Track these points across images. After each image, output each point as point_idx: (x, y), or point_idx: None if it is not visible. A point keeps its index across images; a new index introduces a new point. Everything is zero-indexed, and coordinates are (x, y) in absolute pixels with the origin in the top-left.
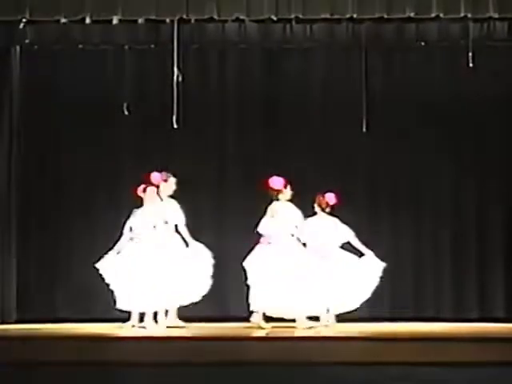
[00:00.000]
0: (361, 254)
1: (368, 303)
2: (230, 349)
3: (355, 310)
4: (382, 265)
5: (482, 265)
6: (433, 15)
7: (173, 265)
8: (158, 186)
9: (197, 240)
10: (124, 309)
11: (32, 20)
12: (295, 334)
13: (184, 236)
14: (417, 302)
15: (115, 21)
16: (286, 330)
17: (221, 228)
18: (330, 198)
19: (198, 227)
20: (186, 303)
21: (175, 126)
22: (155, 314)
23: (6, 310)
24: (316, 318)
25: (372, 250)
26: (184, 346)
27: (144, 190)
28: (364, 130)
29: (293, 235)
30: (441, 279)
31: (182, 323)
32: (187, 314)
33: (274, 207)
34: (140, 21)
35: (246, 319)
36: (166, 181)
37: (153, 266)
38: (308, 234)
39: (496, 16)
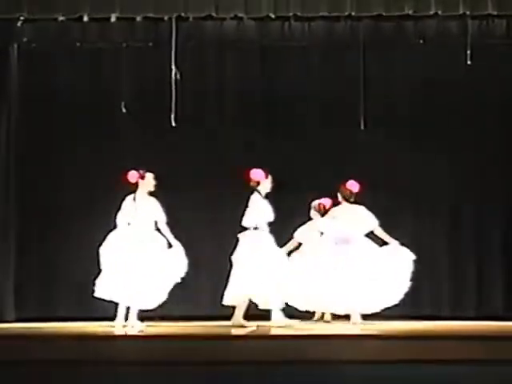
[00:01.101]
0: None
1: None
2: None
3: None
4: (412, 257)
5: (481, 263)
6: (431, 13)
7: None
8: (258, 183)
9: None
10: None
11: (30, 18)
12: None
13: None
14: (415, 300)
15: (113, 19)
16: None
17: (218, 226)
18: (353, 185)
19: (196, 225)
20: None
21: (173, 124)
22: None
23: (3, 309)
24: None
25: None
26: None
27: (142, 177)
28: (362, 127)
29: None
30: (439, 278)
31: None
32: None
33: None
34: (138, 18)
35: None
36: (266, 177)
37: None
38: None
39: (495, 13)
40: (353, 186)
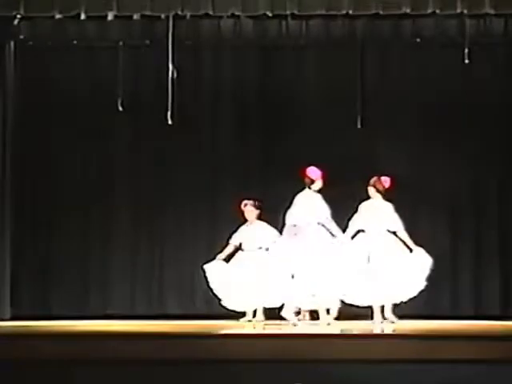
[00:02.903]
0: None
1: None
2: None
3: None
4: (430, 260)
5: (478, 263)
6: (429, 11)
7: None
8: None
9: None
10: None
11: (27, 16)
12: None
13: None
14: (413, 299)
15: (110, 17)
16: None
17: (214, 225)
18: (386, 181)
19: (192, 224)
20: None
21: (170, 123)
22: None
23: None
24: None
25: None
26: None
27: (323, 176)
28: (359, 126)
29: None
30: (437, 277)
31: None
32: None
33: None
34: (135, 17)
35: None
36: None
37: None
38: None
39: (492, 12)
40: (386, 181)
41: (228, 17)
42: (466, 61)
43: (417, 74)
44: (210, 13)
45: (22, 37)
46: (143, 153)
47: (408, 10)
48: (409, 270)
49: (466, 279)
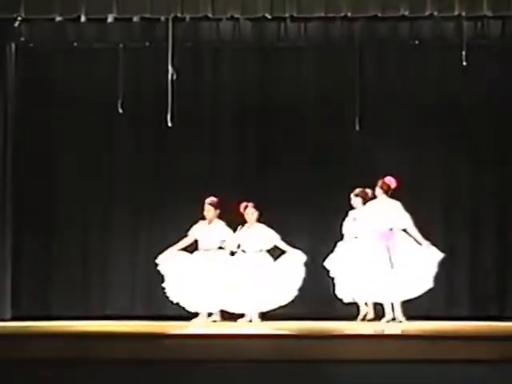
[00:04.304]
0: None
1: None
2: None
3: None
4: (440, 255)
5: (475, 263)
6: (427, 14)
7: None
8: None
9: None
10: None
11: (27, 18)
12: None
13: None
14: (409, 300)
15: (110, 19)
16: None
17: None
18: (391, 181)
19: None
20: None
21: (170, 125)
22: None
23: (0, 308)
24: None
25: None
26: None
27: (398, 186)
28: (357, 128)
29: None
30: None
31: None
32: None
33: None
34: (135, 19)
35: None
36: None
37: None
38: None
39: (490, 14)
40: (391, 181)
41: (227, 19)
42: (464, 63)
43: (415, 75)
44: (210, 15)
45: (22, 39)
46: (143, 154)
47: (406, 12)
48: (420, 266)
49: (464, 279)
